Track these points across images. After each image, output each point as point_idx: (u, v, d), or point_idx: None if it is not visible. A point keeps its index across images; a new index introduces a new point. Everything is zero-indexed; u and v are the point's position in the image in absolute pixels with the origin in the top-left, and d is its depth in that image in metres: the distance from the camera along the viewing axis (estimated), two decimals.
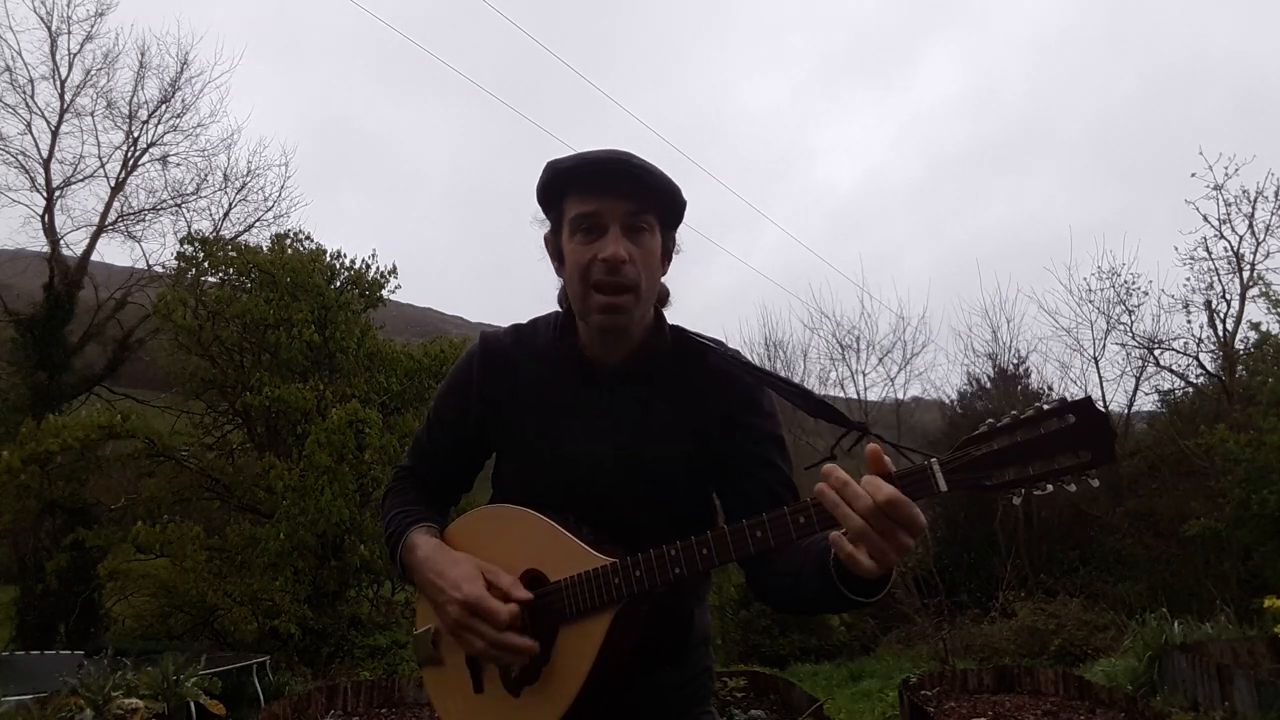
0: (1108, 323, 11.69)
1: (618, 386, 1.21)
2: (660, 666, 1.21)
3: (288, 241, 10.22)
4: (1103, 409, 0.89)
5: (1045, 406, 0.89)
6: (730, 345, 1.25)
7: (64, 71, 12.24)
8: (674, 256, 1.25)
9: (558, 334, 1.24)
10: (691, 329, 1.26)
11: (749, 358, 1.26)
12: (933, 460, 0.90)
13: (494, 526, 1.23)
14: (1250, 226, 10.32)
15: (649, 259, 1.15)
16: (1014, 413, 0.90)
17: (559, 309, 1.27)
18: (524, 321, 1.32)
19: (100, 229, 12.24)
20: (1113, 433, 0.87)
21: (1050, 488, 0.89)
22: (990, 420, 0.91)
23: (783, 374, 1.27)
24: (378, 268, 10.32)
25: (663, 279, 1.23)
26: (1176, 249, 11.17)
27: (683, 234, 1.26)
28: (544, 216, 1.23)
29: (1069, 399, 0.89)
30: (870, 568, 0.88)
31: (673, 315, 1.26)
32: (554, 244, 1.22)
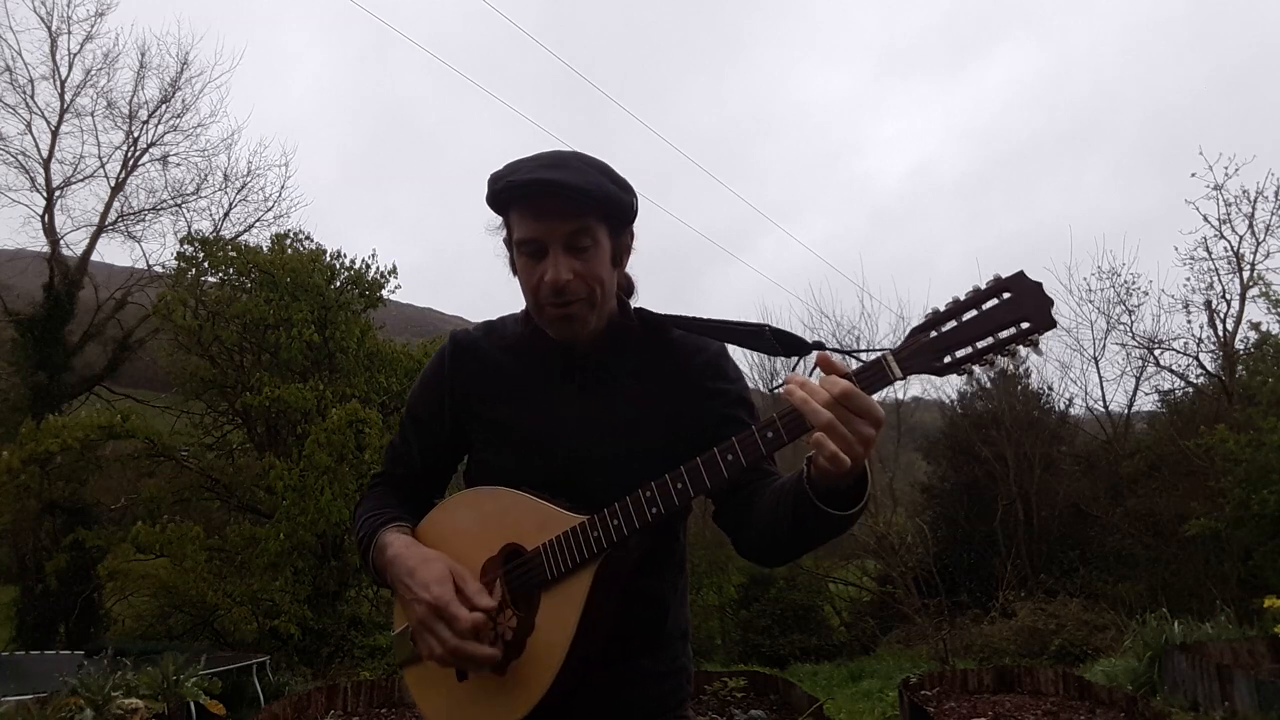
0: (1108, 323, 11.73)
1: (590, 371, 1.23)
2: (635, 655, 1.21)
3: (288, 241, 10.22)
4: (1037, 279, 0.92)
5: (982, 287, 0.94)
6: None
7: (64, 71, 12.28)
8: (632, 251, 1.25)
9: (526, 322, 1.26)
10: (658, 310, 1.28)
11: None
12: (886, 352, 0.96)
13: (468, 509, 1.23)
14: (1250, 226, 10.37)
15: (597, 268, 1.16)
16: (954, 297, 0.95)
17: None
18: (494, 318, 1.34)
19: (100, 229, 12.27)
20: (1048, 299, 0.91)
21: (998, 358, 0.94)
22: (934, 308, 0.96)
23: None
24: (377, 268, 10.35)
25: (626, 269, 1.26)
26: (1176, 249, 11.22)
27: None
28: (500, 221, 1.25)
29: (1002, 277, 0.93)
30: (844, 461, 0.92)
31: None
32: (510, 249, 1.23)
